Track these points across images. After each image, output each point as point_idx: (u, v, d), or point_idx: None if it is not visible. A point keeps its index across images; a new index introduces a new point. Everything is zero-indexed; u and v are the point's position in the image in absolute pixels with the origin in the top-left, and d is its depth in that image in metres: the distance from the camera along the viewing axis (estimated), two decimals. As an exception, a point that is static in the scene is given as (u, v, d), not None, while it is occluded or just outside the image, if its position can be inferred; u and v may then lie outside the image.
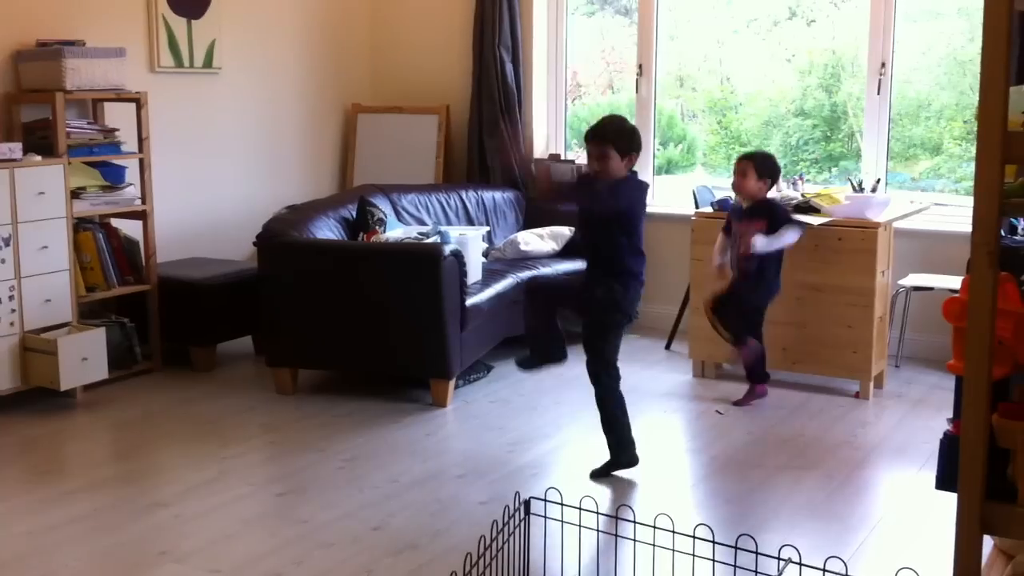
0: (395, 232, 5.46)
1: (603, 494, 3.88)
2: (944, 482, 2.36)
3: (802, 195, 5.25)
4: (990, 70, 1.84)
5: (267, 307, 5.04)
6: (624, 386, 4.77)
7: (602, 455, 4.34)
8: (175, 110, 5.78)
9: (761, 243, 4.76)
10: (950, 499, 2.09)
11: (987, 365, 1.93)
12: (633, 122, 4.18)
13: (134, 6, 5.61)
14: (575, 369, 5.42)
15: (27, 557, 3.37)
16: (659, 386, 5.24)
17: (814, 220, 4.95)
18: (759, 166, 4.83)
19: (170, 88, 5.76)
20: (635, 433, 4.15)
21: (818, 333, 5.02)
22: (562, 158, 6.52)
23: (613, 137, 3.96)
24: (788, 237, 4.80)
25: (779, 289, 4.95)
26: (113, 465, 4.30)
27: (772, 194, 5.28)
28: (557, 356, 4.32)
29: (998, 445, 2.04)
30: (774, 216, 4.85)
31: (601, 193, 3.98)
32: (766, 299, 4.96)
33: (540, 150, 6.68)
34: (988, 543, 2.85)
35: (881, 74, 5.79)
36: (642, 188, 4.09)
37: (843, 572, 2.39)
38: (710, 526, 2.69)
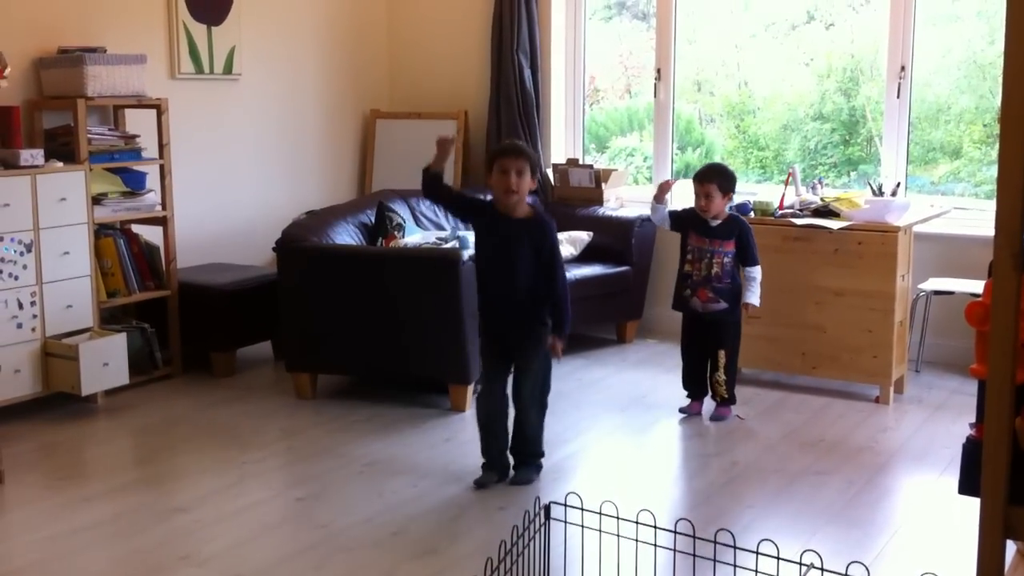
0: (414, 237, 5.48)
1: (624, 499, 3.86)
2: (966, 487, 2.35)
3: (821, 199, 5.23)
4: (1013, 71, 1.83)
5: (286, 312, 5.06)
6: (642, 390, 4.77)
7: (624, 458, 4.34)
8: (195, 116, 5.81)
9: (756, 299, 4.65)
10: (972, 504, 2.07)
11: (1011, 369, 1.92)
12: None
13: (155, 13, 5.64)
14: (594, 372, 5.44)
15: (48, 562, 3.39)
16: (678, 390, 5.22)
17: (834, 224, 4.94)
18: (722, 184, 4.62)
19: (190, 94, 5.79)
20: (656, 438, 4.12)
21: (838, 337, 5.00)
22: (580, 162, 6.51)
23: None
24: (756, 281, 4.67)
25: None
26: (134, 470, 4.32)
27: (791, 199, 5.28)
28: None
29: (1021, 449, 2.03)
30: (744, 239, 4.67)
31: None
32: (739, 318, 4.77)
33: (558, 155, 6.68)
34: (1011, 548, 2.84)
35: (900, 78, 5.77)
36: None
37: (865, 577, 2.37)
38: (731, 531, 2.68)
